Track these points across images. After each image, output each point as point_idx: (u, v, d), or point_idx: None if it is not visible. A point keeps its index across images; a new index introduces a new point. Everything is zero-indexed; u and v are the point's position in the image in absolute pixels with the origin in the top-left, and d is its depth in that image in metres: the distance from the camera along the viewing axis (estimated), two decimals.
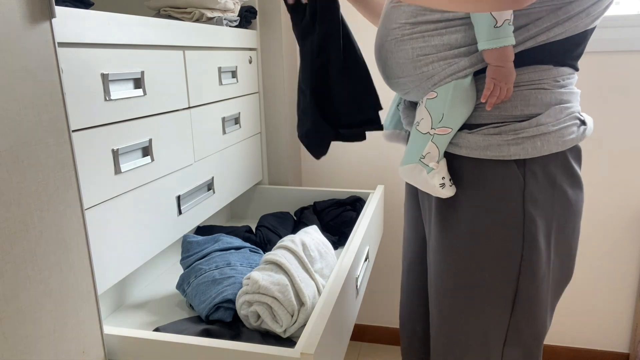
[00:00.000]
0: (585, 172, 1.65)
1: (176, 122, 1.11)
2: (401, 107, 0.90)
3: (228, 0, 1.32)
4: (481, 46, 0.72)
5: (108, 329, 0.83)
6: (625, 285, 1.72)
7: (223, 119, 1.34)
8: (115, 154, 0.91)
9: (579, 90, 0.80)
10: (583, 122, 0.77)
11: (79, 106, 0.83)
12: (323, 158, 1.84)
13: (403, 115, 0.88)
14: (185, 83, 1.14)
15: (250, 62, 1.50)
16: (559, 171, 0.76)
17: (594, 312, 1.77)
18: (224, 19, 1.34)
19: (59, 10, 0.76)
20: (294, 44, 1.74)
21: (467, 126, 0.77)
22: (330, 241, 1.27)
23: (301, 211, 1.50)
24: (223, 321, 0.98)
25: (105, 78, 0.88)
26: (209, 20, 1.30)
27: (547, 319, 0.81)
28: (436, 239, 0.84)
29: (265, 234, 1.35)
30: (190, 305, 1.06)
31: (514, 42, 0.71)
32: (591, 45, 1.53)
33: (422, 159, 0.78)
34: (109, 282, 0.92)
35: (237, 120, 1.43)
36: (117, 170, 0.92)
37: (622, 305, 1.74)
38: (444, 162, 0.79)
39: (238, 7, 1.40)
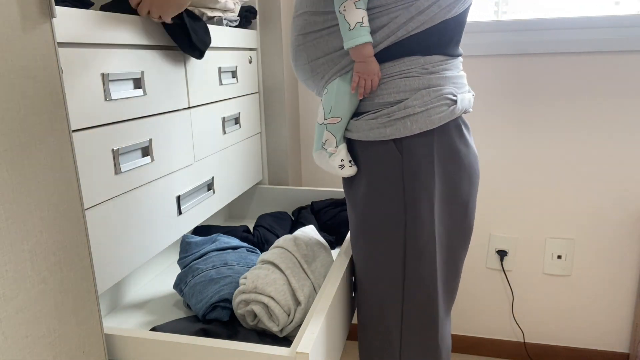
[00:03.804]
0: (585, 171, 1.65)
1: (176, 122, 1.12)
2: None
3: (228, 0, 1.32)
4: (344, 47, 0.84)
5: (108, 329, 0.84)
6: (625, 285, 1.72)
7: (223, 119, 1.34)
8: (115, 154, 0.92)
9: (458, 74, 0.92)
10: (454, 102, 0.88)
11: (79, 106, 0.83)
12: None
13: None
14: (185, 83, 1.14)
15: (250, 62, 1.50)
16: (456, 137, 0.89)
17: (594, 312, 1.77)
18: (224, 19, 1.34)
19: (59, 10, 0.76)
20: None
21: (355, 114, 0.91)
22: (327, 241, 1.27)
23: (299, 211, 1.50)
24: (220, 320, 0.98)
25: (105, 78, 0.88)
26: (209, 20, 1.30)
27: (438, 273, 0.94)
28: (348, 207, 1.01)
29: (262, 234, 1.35)
30: (187, 304, 1.06)
31: (367, 41, 0.83)
32: (591, 45, 1.54)
33: (323, 145, 0.92)
34: (109, 282, 0.92)
35: (237, 120, 1.43)
36: (117, 170, 0.92)
37: (622, 305, 1.74)
38: (342, 147, 0.92)
39: (238, 7, 1.40)
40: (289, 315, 0.94)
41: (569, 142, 1.64)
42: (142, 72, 0.98)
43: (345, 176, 0.95)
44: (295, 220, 1.49)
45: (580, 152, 1.64)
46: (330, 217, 1.43)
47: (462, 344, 1.91)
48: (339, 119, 0.89)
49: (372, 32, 0.85)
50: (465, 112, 0.93)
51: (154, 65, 1.02)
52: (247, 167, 1.52)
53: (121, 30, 0.92)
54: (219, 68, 1.30)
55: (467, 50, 1.63)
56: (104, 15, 0.87)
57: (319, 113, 0.92)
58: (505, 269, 1.79)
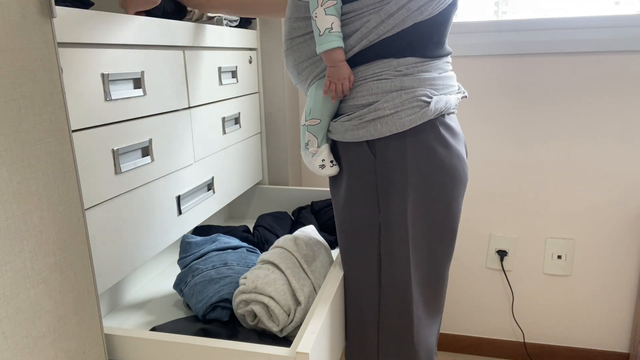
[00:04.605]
0: (585, 171, 1.65)
1: (176, 122, 1.12)
2: None
3: None
4: (317, 52, 0.87)
5: (108, 329, 0.84)
6: (625, 285, 1.72)
7: (223, 119, 1.34)
8: (115, 154, 0.92)
9: (438, 75, 0.91)
10: (427, 104, 0.87)
11: (79, 106, 0.83)
12: None
13: None
14: (185, 83, 1.14)
15: (250, 62, 1.50)
16: (432, 139, 0.89)
17: (594, 312, 1.77)
18: (224, 19, 1.34)
19: (59, 10, 0.76)
20: None
21: (335, 116, 0.93)
22: (327, 241, 1.27)
23: (299, 211, 1.50)
24: (220, 320, 0.98)
25: (105, 78, 0.88)
26: (209, 20, 1.30)
27: (414, 276, 0.96)
28: (333, 207, 1.03)
29: (262, 234, 1.35)
30: (187, 304, 1.06)
31: (336, 46, 0.85)
32: (591, 45, 1.54)
33: (306, 146, 0.95)
34: (109, 282, 0.92)
35: (237, 120, 1.44)
36: (117, 170, 0.92)
37: (622, 305, 1.74)
38: (325, 147, 0.94)
39: None
40: (289, 315, 0.94)
41: (569, 142, 1.64)
42: (142, 72, 0.98)
43: (327, 175, 0.97)
44: (295, 220, 1.49)
45: (581, 152, 1.64)
46: (330, 217, 1.43)
47: (462, 344, 1.91)
48: (318, 121, 0.92)
49: (346, 37, 0.87)
50: (444, 113, 0.91)
51: (154, 65, 1.02)
52: (247, 167, 1.52)
53: (121, 30, 0.92)
54: (219, 68, 1.30)
55: (467, 50, 1.63)
56: (103, 15, 0.87)
57: (302, 114, 0.96)
58: (505, 269, 1.79)
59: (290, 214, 1.54)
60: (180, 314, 1.06)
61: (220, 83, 1.31)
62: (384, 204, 0.91)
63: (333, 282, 0.96)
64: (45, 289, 0.67)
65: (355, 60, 0.89)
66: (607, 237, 1.69)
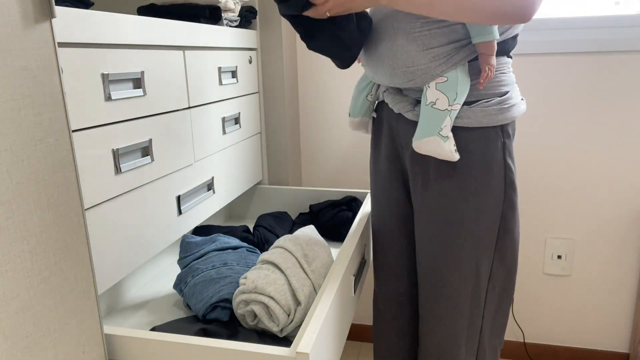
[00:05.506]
0: (585, 172, 1.65)
1: (176, 122, 1.12)
2: (385, 95, 1.07)
3: (228, 0, 1.33)
4: (477, 40, 0.92)
5: (108, 329, 0.84)
6: (625, 285, 1.72)
7: (223, 119, 1.34)
8: (115, 154, 0.92)
9: None
10: (522, 98, 1.04)
11: (79, 106, 0.83)
12: (324, 158, 1.84)
13: (392, 100, 1.05)
14: (185, 83, 1.14)
15: (250, 62, 1.50)
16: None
17: (594, 312, 1.77)
18: (224, 19, 1.34)
19: (59, 10, 0.76)
20: (294, 44, 1.74)
21: (467, 103, 0.97)
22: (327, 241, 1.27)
23: (299, 217, 1.51)
24: (220, 320, 0.98)
25: (105, 78, 0.88)
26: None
27: (518, 241, 1.09)
28: (439, 194, 1.03)
29: (262, 234, 1.35)
30: (187, 304, 1.06)
31: (498, 37, 0.91)
32: (591, 45, 1.54)
33: (440, 132, 0.96)
34: (109, 282, 0.92)
35: (237, 120, 1.44)
36: (117, 170, 0.92)
37: (622, 305, 1.74)
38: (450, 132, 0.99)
39: (238, 7, 1.40)
40: (289, 315, 0.94)
41: (568, 142, 1.64)
42: (142, 72, 0.98)
43: (454, 160, 0.98)
44: (295, 221, 1.49)
45: (580, 152, 1.64)
46: (329, 218, 1.43)
47: None
48: (459, 105, 0.95)
49: None
50: None
51: (154, 65, 1.02)
52: (247, 167, 1.52)
53: (121, 30, 0.92)
54: (219, 68, 1.30)
55: None
56: (103, 15, 0.87)
57: (439, 99, 0.95)
58: None
59: (290, 214, 1.54)
60: (180, 314, 1.06)
61: (220, 83, 1.31)
62: (509, 176, 1.01)
63: (333, 282, 0.96)
64: (45, 289, 0.67)
65: None
66: (607, 237, 1.69)
